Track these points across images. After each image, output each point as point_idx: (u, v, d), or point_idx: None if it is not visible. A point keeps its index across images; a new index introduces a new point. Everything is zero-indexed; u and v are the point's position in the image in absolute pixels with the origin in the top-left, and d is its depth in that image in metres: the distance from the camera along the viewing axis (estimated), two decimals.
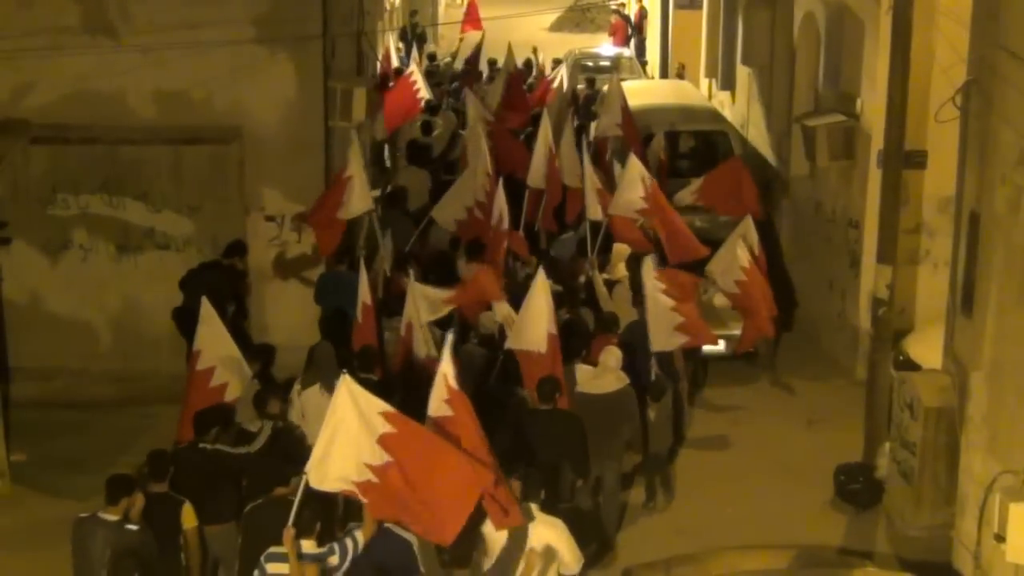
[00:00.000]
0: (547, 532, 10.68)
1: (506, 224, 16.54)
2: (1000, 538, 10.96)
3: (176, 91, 16.83)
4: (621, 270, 17.09)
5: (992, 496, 11.27)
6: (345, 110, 17.72)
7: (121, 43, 16.60)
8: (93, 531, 10.81)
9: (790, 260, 20.92)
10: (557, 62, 28.40)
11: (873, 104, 16.55)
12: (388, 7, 29.48)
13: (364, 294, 14.46)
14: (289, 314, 16.91)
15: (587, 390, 13.73)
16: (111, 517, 10.82)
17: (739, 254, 15.92)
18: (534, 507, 10.83)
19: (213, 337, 13.23)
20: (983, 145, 12.19)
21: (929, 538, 13.43)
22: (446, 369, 10.75)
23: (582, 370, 14.05)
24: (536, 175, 18.51)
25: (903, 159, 14.86)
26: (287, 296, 17.19)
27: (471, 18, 34.67)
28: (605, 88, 22.59)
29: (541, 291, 13.63)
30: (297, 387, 13.40)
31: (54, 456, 15.17)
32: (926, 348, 14.96)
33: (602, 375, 13.79)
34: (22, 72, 16.52)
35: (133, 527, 10.80)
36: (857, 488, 14.53)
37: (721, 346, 17.24)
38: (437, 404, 10.79)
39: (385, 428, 10.10)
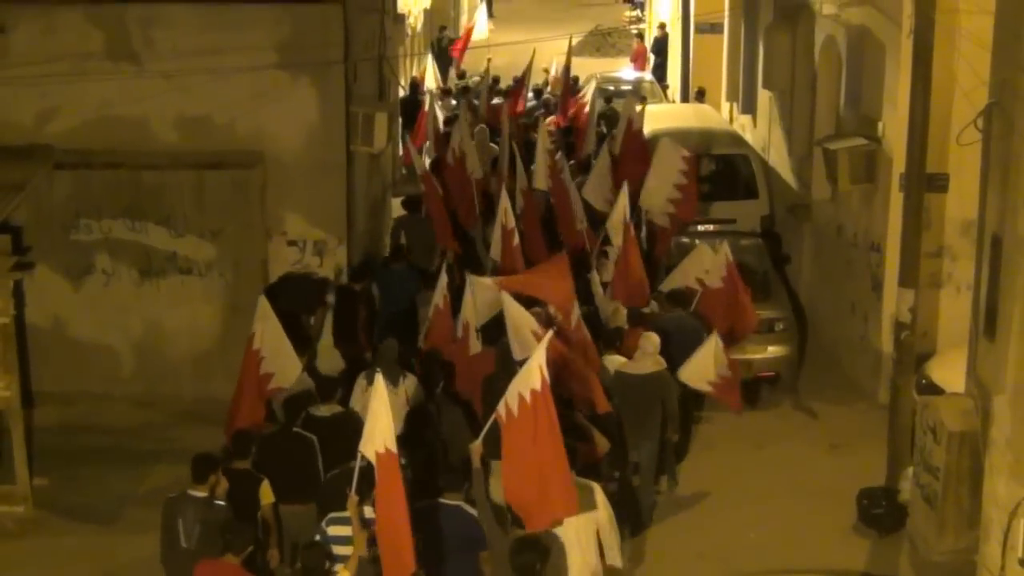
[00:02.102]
0: (584, 495, 11.14)
1: (516, 240, 17.12)
2: None
3: (198, 116, 16.93)
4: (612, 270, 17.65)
5: (1016, 520, 11.22)
6: (367, 135, 17.80)
7: (144, 69, 16.73)
8: (183, 508, 11.30)
9: (812, 283, 20.90)
10: (576, 80, 28.72)
11: (895, 127, 16.54)
12: (409, 32, 29.62)
13: (439, 297, 15.26)
14: None
15: (627, 371, 14.48)
16: (200, 494, 11.32)
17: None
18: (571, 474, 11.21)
19: (269, 332, 13.72)
20: (1005, 168, 12.16)
21: (953, 563, 13.35)
22: (541, 360, 10.79)
23: (616, 360, 14.74)
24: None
25: (925, 182, 14.82)
26: None
27: (461, 47, 35.12)
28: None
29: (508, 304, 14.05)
30: (363, 382, 13.81)
31: (76, 480, 15.19)
32: (949, 372, 14.89)
33: (641, 358, 14.49)
34: (46, 98, 16.64)
35: (221, 503, 11.37)
36: (880, 512, 14.47)
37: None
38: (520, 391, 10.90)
39: (379, 448, 10.34)
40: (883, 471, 14.96)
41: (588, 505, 11.19)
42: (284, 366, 13.76)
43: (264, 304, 13.84)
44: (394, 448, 10.33)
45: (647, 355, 14.46)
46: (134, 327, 17.19)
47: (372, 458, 10.32)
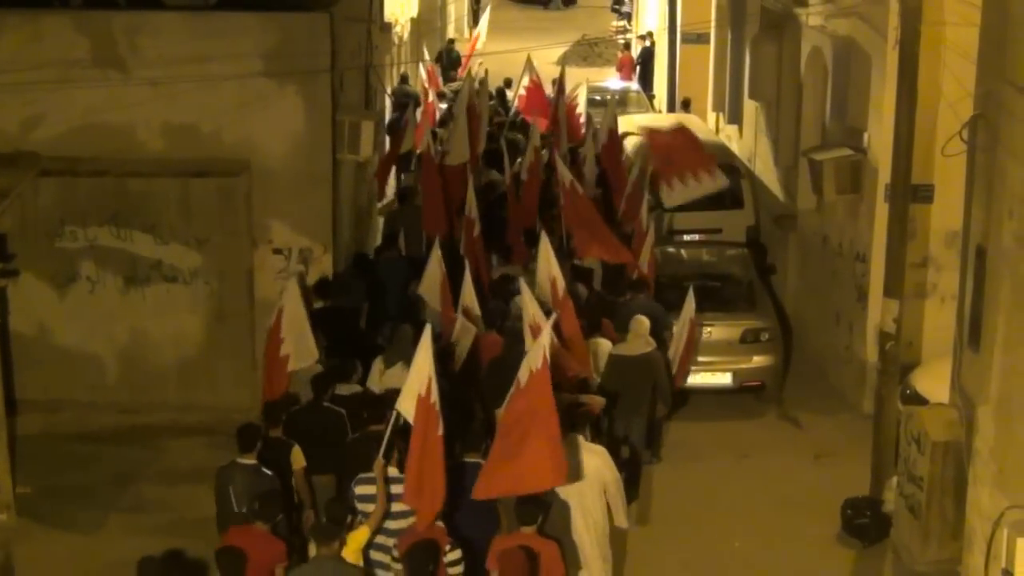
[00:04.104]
0: (593, 459, 12.20)
1: (478, 229, 17.97)
2: (1008, 573, 10.92)
3: (185, 124, 16.90)
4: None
5: (1000, 531, 11.22)
6: (353, 143, 17.80)
7: (130, 77, 16.69)
8: (233, 476, 12.03)
9: (797, 293, 20.94)
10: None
11: (880, 138, 16.58)
12: (396, 41, 29.66)
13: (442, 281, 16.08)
14: None
15: (621, 352, 15.41)
16: (248, 462, 12.07)
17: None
18: (579, 438, 12.31)
19: (293, 317, 14.43)
20: (990, 179, 12.19)
21: (936, 573, 13.38)
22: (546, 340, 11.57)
23: (603, 343, 15.67)
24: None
25: (910, 193, 14.86)
26: None
27: (467, 54, 35.36)
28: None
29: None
30: (380, 366, 14.57)
31: (60, 488, 15.16)
32: (933, 382, 14.94)
33: (633, 340, 15.51)
34: (32, 105, 16.61)
35: (268, 472, 12.08)
36: (864, 522, 14.50)
37: (728, 379, 17.46)
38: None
39: (421, 391, 11.21)
40: (867, 481, 14.98)
41: (595, 469, 12.11)
42: (301, 349, 14.40)
43: (293, 287, 14.67)
44: (424, 392, 11.10)
45: (639, 336, 15.46)
46: (119, 335, 17.14)
47: (408, 409, 11.21)
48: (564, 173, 18.64)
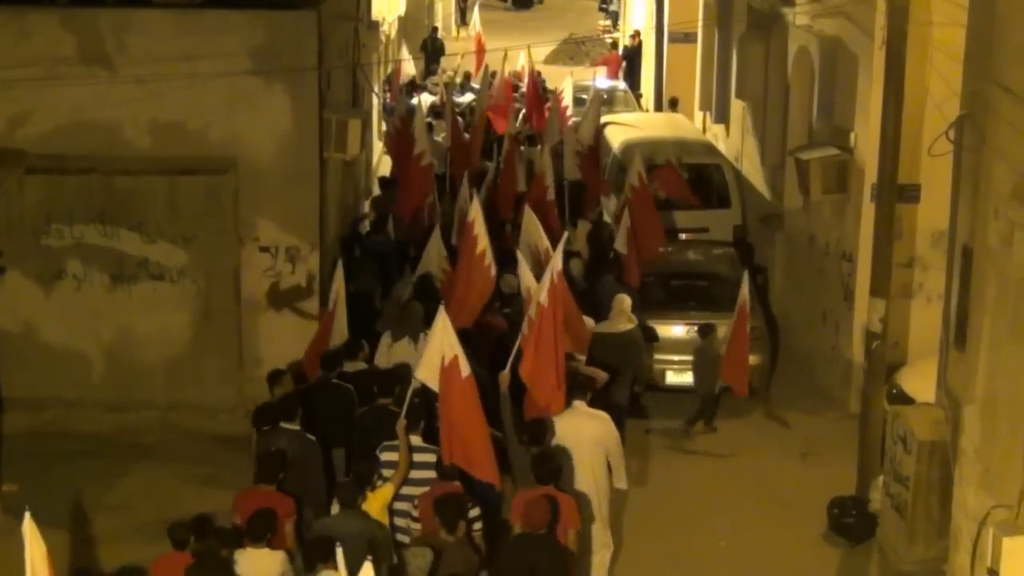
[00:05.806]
0: (595, 424, 12.76)
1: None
2: (994, 573, 10.94)
3: (172, 122, 16.85)
4: (581, 241, 19.56)
5: (985, 530, 11.25)
6: (340, 142, 17.77)
7: (117, 74, 16.64)
8: (278, 439, 12.65)
9: (784, 293, 20.96)
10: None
11: (867, 138, 16.61)
12: (383, 39, 29.68)
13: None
14: (283, 345, 16.84)
15: (604, 330, 15.76)
16: (293, 427, 12.80)
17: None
18: (582, 404, 12.86)
19: (340, 300, 15.53)
20: (976, 179, 12.22)
21: (922, 572, 13.42)
22: (557, 265, 12.72)
23: (587, 321, 15.56)
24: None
25: (896, 193, 14.89)
26: (281, 327, 17.16)
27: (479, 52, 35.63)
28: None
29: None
30: (388, 340, 15.24)
31: (47, 486, 15.10)
32: (919, 381, 14.97)
33: (616, 318, 16.02)
34: (18, 102, 16.55)
35: (312, 437, 12.84)
36: (850, 522, 14.52)
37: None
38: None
39: (444, 363, 11.91)
40: (853, 480, 15.00)
41: (597, 433, 12.68)
42: (339, 330, 15.35)
43: (339, 272, 15.62)
44: (449, 365, 11.81)
45: (621, 314, 15.98)
46: (105, 333, 17.09)
47: (428, 377, 12.04)
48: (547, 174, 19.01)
